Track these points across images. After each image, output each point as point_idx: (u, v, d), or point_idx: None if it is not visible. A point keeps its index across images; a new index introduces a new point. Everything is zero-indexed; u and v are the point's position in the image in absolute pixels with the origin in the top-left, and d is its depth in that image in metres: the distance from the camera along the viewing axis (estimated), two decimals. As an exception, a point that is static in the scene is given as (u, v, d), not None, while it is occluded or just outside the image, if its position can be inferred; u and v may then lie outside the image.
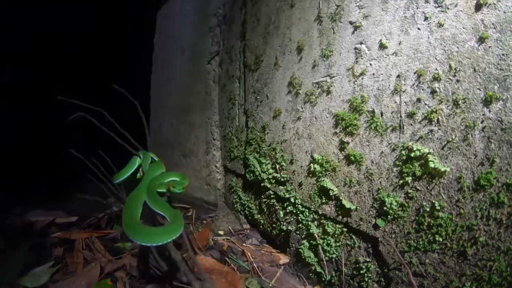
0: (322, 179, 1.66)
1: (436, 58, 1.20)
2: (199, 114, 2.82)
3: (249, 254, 1.93)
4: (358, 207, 1.49)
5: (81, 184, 1.79)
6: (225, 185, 2.67)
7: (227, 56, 2.57)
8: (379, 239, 1.40)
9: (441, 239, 1.19)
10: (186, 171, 2.97)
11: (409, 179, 1.28)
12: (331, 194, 1.59)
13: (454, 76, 1.16)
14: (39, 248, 1.75)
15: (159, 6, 3.54)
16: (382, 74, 1.39)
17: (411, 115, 1.28)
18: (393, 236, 1.35)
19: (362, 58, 1.47)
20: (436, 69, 1.20)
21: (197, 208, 2.80)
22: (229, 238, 2.17)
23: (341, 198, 1.55)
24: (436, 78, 1.21)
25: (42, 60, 4.26)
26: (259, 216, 2.24)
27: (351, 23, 1.52)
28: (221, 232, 2.30)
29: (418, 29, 1.26)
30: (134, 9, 4.36)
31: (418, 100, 1.25)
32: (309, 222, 1.75)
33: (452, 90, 1.17)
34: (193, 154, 2.91)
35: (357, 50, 1.50)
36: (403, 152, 1.31)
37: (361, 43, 1.48)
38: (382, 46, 1.39)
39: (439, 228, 1.20)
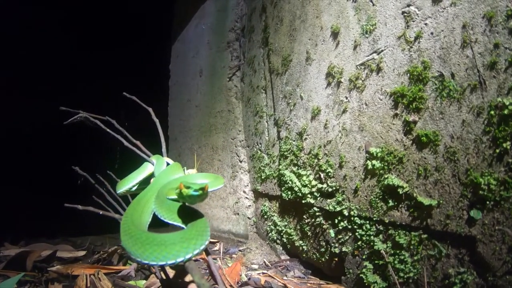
0: (386, 176, 1.44)
1: (505, -6, 1.09)
2: (222, 136, 2.70)
3: (293, 288, 1.64)
4: (441, 201, 1.26)
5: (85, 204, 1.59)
6: (256, 212, 2.43)
7: (249, 68, 2.52)
8: (478, 237, 1.17)
9: None
10: (210, 201, 2.76)
11: (507, 144, 1.08)
12: (400, 192, 1.38)
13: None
14: (32, 283, 1.53)
15: (173, 31, 3.68)
16: (443, 31, 1.26)
17: (491, 66, 1.13)
18: (497, 228, 1.10)
19: (413, 21, 1.35)
20: (507, 6, 1.08)
21: (224, 241, 2.53)
22: (265, 271, 1.90)
23: (415, 194, 1.34)
24: (511, 16, 1.06)
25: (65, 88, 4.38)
26: (301, 242, 1.97)
27: (394, -13, 1.43)
28: (255, 266, 2.01)
29: (480, -34, 1.15)
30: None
31: (496, 46, 1.12)
32: (372, 237, 1.52)
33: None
34: (217, 182, 2.72)
35: (405, 14, 1.38)
36: (492, 112, 1.12)
37: (408, 6, 1.37)
38: (435, 0, 1.27)
39: None
